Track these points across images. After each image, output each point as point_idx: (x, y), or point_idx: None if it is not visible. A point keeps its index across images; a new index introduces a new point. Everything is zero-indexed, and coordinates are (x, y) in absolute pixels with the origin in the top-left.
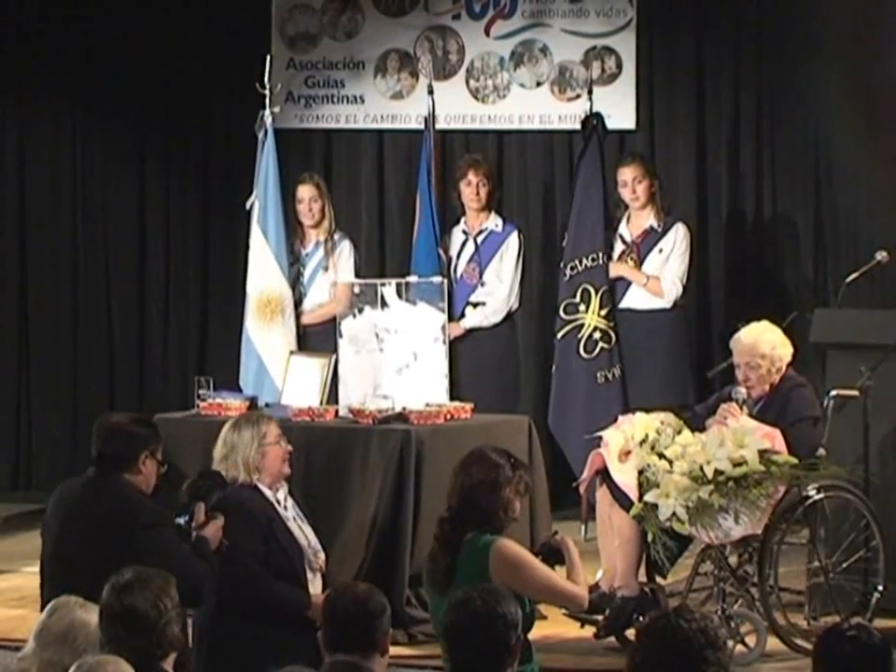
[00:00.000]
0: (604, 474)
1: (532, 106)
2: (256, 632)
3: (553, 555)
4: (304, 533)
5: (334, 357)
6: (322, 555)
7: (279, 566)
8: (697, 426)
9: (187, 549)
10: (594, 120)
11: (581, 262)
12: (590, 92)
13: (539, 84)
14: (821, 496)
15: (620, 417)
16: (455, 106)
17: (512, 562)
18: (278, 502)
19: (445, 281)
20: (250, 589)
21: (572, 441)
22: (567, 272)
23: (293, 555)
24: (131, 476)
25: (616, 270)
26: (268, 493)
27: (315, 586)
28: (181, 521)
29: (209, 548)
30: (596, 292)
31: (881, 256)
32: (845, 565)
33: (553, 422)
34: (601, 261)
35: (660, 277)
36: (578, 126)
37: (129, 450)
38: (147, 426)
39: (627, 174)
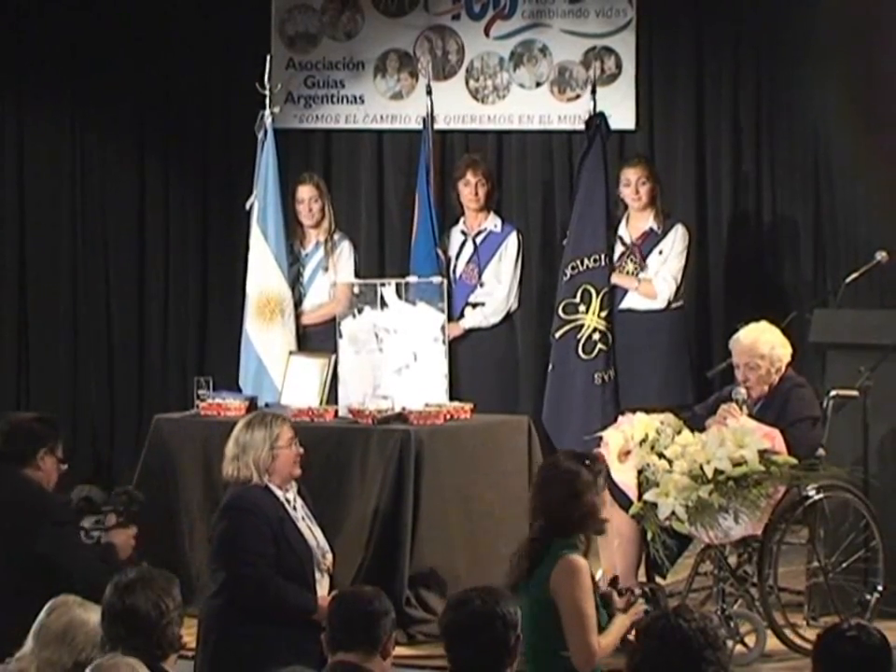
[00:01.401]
0: None
1: (532, 107)
2: (261, 632)
3: (605, 604)
4: (313, 534)
5: (334, 357)
6: (330, 556)
7: (288, 566)
8: (697, 426)
9: (91, 552)
10: (597, 120)
11: (582, 262)
12: (593, 92)
13: (538, 84)
14: (821, 496)
15: (620, 417)
16: (455, 107)
17: (572, 575)
18: (288, 502)
19: (445, 281)
20: (258, 590)
21: (567, 441)
22: (568, 271)
23: (302, 556)
24: (30, 472)
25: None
26: (278, 493)
27: (323, 587)
28: (87, 524)
29: (114, 555)
30: (597, 293)
31: (881, 256)
32: (844, 565)
33: (547, 421)
34: (602, 262)
35: (652, 279)
36: (577, 126)
37: (28, 446)
38: (47, 424)
39: (632, 174)
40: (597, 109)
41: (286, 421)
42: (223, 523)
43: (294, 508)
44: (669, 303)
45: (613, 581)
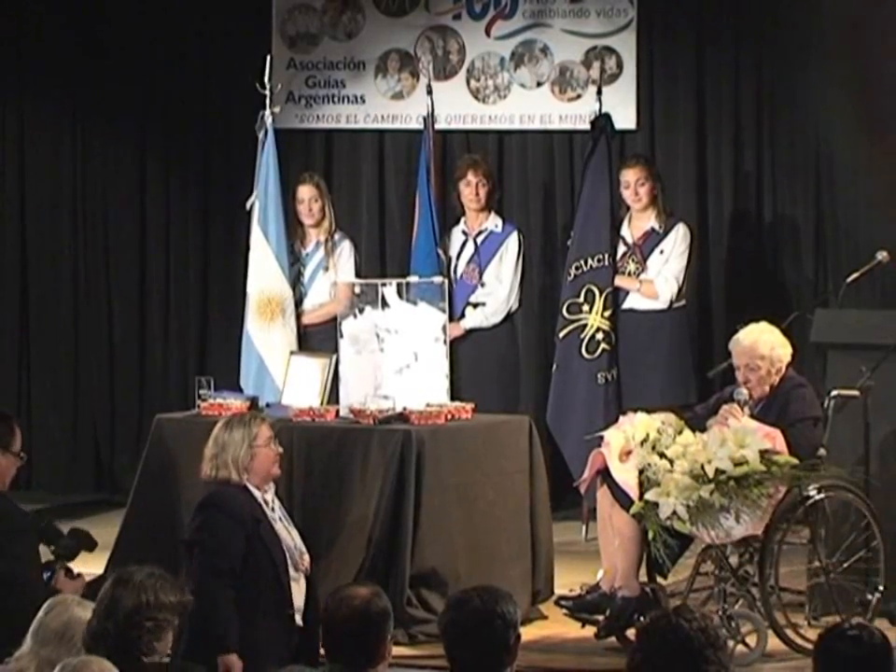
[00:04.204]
0: (605, 474)
1: (532, 107)
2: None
3: None
4: (290, 535)
5: (335, 357)
6: (307, 557)
7: (260, 567)
8: (698, 426)
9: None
10: (602, 121)
11: (586, 262)
12: (599, 93)
13: (539, 84)
14: (822, 496)
15: (621, 417)
16: (456, 106)
17: None
18: (266, 503)
19: (446, 281)
20: (202, 596)
21: (570, 441)
22: (572, 271)
23: (275, 557)
24: None
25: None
26: (256, 493)
27: (300, 586)
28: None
29: None
30: (601, 293)
31: (881, 256)
32: (845, 565)
33: (551, 421)
34: (606, 262)
35: (653, 279)
36: (578, 126)
37: None
38: (0, 421)
39: (630, 175)
40: (603, 110)
41: (264, 420)
42: (197, 520)
43: (272, 509)
44: (671, 303)
45: None
